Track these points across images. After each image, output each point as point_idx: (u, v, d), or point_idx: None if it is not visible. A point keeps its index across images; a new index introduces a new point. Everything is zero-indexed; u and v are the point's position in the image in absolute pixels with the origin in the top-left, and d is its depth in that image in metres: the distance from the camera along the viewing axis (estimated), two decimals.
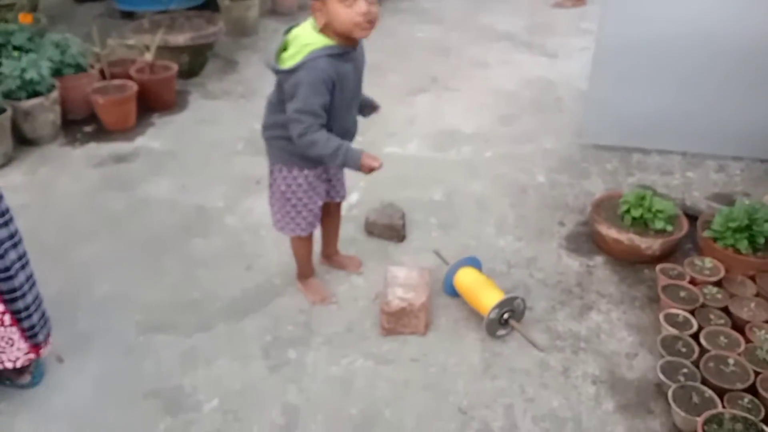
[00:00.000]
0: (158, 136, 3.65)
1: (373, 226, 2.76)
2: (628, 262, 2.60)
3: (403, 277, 2.32)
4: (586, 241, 2.74)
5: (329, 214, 2.41)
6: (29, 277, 1.91)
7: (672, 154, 3.35)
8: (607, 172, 3.24)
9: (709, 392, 1.90)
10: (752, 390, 1.92)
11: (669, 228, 2.55)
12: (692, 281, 2.37)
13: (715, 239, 2.48)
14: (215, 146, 3.53)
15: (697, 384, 1.93)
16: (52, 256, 2.62)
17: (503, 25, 5.34)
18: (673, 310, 2.23)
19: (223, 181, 3.18)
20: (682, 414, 1.84)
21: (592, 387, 2.07)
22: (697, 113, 3.22)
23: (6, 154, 3.33)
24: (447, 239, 2.75)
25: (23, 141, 3.48)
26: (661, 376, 1.98)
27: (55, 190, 3.14)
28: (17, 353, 1.94)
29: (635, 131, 3.36)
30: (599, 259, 2.64)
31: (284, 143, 2.06)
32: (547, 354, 2.19)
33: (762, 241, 2.41)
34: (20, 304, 1.88)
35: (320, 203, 2.25)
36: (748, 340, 2.10)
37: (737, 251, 2.42)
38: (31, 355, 1.98)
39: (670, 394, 1.90)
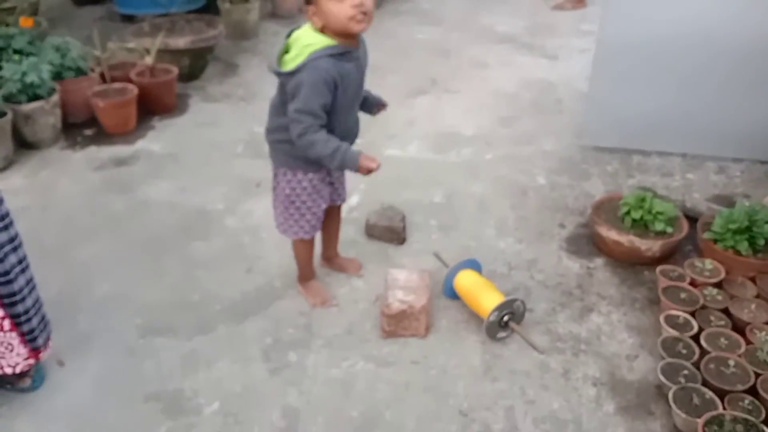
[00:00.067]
0: (159, 139, 3.65)
1: (374, 228, 2.76)
2: (628, 263, 2.60)
3: (403, 280, 2.32)
4: (587, 242, 2.74)
5: (330, 217, 2.41)
6: (29, 281, 1.91)
7: (672, 156, 3.35)
8: (607, 173, 3.24)
9: (709, 394, 1.90)
10: (753, 391, 1.92)
11: (669, 230, 2.55)
12: (692, 283, 2.36)
13: (715, 241, 2.48)
14: (215, 149, 3.53)
15: (698, 385, 1.93)
16: (52, 258, 2.62)
17: (503, 27, 5.34)
18: (674, 312, 2.23)
19: (223, 184, 3.18)
20: (683, 415, 1.84)
21: (593, 389, 2.07)
22: (697, 114, 3.22)
23: (6, 158, 3.33)
24: (447, 241, 2.76)
25: (24, 144, 3.49)
26: (662, 378, 1.98)
27: (56, 193, 3.15)
28: (17, 358, 1.94)
29: (635, 133, 3.36)
30: (599, 261, 2.64)
31: (288, 147, 2.06)
32: (547, 356, 2.19)
33: (762, 242, 2.41)
34: (20, 308, 1.88)
35: (323, 206, 2.25)
36: (748, 342, 2.10)
37: (737, 253, 2.41)
38: (31, 360, 1.98)
39: (670, 395, 1.90)
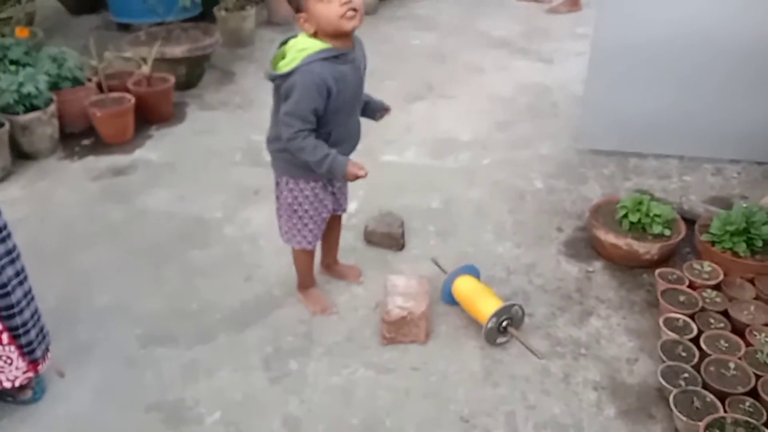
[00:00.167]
0: (156, 148, 3.65)
1: (372, 234, 2.76)
2: (626, 267, 2.60)
3: (402, 286, 2.32)
4: (585, 246, 2.75)
5: (330, 226, 2.41)
6: (26, 293, 1.91)
7: (669, 158, 3.36)
8: (604, 176, 3.25)
9: (710, 397, 1.90)
10: (753, 393, 1.92)
11: (667, 232, 2.56)
12: (691, 285, 2.37)
13: (713, 243, 2.48)
14: (213, 157, 3.53)
15: (698, 388, 1.93)
16: (51, 268, 2.62)
17: (499, 32, 5.36)
18: (673, 315, 2.23)
19: (221, 192, 3.19)
20: (684, 419, 1.84)
21: (593, 393, 2.07)
22: (693, 116, 3.23)
23: (4, 169, 3.33)
24: (446, 247, 2.76)
25: (21, 155, 3.49)
26: (662, 381, 1.98)
27: (54, 203, 3.15)
28: (16, 372, 1.94)
29: (632, 135, 3.37)
30: (598, 265, 2.64)
31: (289, 155, 2.06)
32: (547, 360, 2.19)
33: (760, 244, 2.42)
34: (17, 321, 1.88)
35: (325, 215, 2.26)
36: (748, 344, 2.10)
37: (735, 254, 2.42)
38: (30, 374, 1.98)
39: (671, 399, 1.90)
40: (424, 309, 2.22)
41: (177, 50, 4.14)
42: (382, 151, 3.50)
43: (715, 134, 3.26)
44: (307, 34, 1.95)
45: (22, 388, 2.02)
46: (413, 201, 3.06)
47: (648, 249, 2.53)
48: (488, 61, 4.75)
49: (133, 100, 3.71)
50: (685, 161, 3.34)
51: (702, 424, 1.79)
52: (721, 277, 2.39)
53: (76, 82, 3.76)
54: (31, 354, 1.96)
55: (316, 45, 1.92)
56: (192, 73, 4.33)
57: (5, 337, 1.87)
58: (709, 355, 2.04)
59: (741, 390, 1.92)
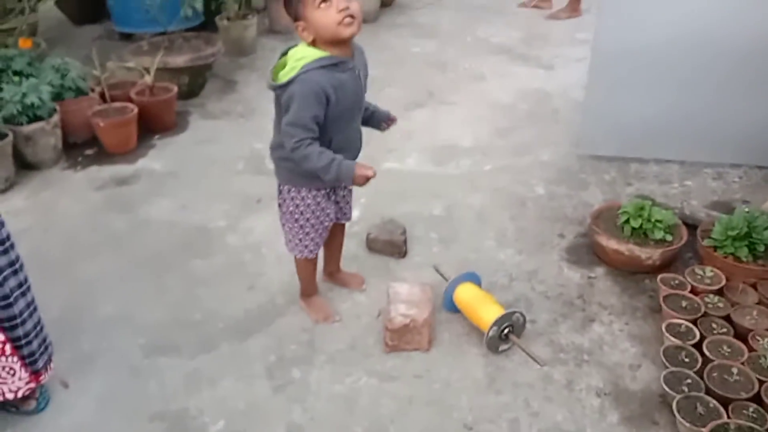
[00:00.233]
0: (159, 158, 3.67)
1: (375, 242, 2.77)
2: (628, 272, 2.60)
3: (405, 294, 2.33)
4: (587, 252, 2.75)
5: (333, 234, 2.41)
6: (29, 304, 1.92)
7: (670, 163, 3.36)
8: (605, 182, 3.25)
9: (713, 402, 1.90)
10: (757, 399, 1.92)
11: (669, 238, 2.56)
12: (693, 290, 2.37)
13: (715, 248, 2.48)
14: (216, 166, 3.55)
15: (702, 394, 1.93)
16: (54, 279, 2.63)
17: (499, 38, 5.38)
18: (675, 320, 2.23)
19: (224, 200, 3.20)
20: (688, 425, 1.84)
21: (596, 399, 2.07)
22: (694, 121, 3.23)
23: (8, 179, 3.35)
24: (448, 254, 2.76)
25: (25, 165, 3.50)
26: (665, 387, 1.98)
27: (57, 214, 3.16)
28: (18, 383, 1.94)
29: (632, 141, 3.37)
30: (600, 271, 2.64)
31: (292, 164, 2.07)
32: (550, 367, 2.19)
33: (762, 248, 2.42)
34: (20, 332, 1.89)
35: (327, 224, 2.26)
36: (751, 349, 2.10)
37: (737, 259, 2.42)
38: (32, 384, 1.98)
39: (674, 405, 1.90)
40: (427, 316, 2.23)
41: (179, 60, 4.16)
42: (384, 158, 3.50)
43: (716, 138, 3.27)
44: (306, 42, 1.96)
45: (25, 398, 2.03)
46: (415, 208, 3.07)
47: (650, 254, 2.54)
48: (488, 67, 4.77)
49: (135, 109, 3.73)
50: (686, 166, 3.34)
51: (705, 430, 1.79)
52: (724, 282, 2.39)
53: (79, 92, 3.78)
54: (33, 365, 1.96)
55: (314, 53, 1.94)
56: (194, 83, 4.35)
57: (8, 347, 1.87)
58: (712, 360, 2.04)
59: (744, 395, 1.92)
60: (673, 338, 2.16)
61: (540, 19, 5.85)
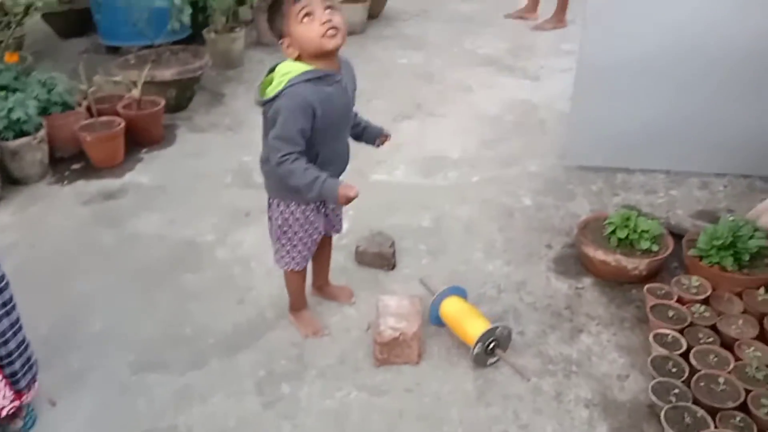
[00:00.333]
0: (147, 171, 3.66)
1: (363, 255, 2.77)
2: (615, 283, 2.63)
3: (394, 306, 2.33)
4: (574, 263, 2.77)
5: (321, 246, 2.41)
6: (13, 324, 1.90)
7: (656, 173, 3.40)
8: (592, 193, 3.28)
9: (701, 412, 1.91)
10: (743, 408, 1.94)
11: (655, 248, 2.59)
12: (680, 300, 2.39)
13: (700, 257, 2.51)
14: (204, 179, 3.54)
15: (689, 404, 1.94)
16: (42, 295, 2.61)
17: (485, 50, 5.42)
18: (662, 330, 2.25)
19: (212, 214, 3.19)
20: None
21: (585, 411, 2.08)
22: (679, 131, 3.27)
23: None
24: (436, 266, 2.77)
25: (11, 181, 3.48)
26: (653, 398, 2.00)
27: (45, 229, 3.14)
28: (3, 401, 1.92)
29: (618, 151, 3.41)
30: (587, 281, 2.66)
31: (280, 177, 2.08)
32: (539, 379, 2.20)
33: (747, 257, 2.45)
34: (2, 351, 1.87)
35: (316, 237, 2.26)
36: (737, 358, 2.12)
37: (723, 269, 2.45)
38: (16, 403, 1.96)
39: (662, 415, 1.92)
40: (416, 329, 2.23)
41: (167, 73, 4.16)
42: (372, 170, 3.52)
43: (701, 148, 3.31)
44: (291, 59, 1.98)
45: (12, 417, 2.00)
46: (403, 220, 3.08)
47: (636, 265, 2.56)
48: (475, 79, 4.80)
49: (122, 123, 3.72)
50: (671, 175, 3.38)
51: None
52: (710, 291, 2.42)
53: (66, 106, 3.77)
54: (15, 384, 1.95)
55: (300, 68, 1.95)
56: (182, 96, 4.35)
57: None
58: (699, 370, 2.06)
59: (731, 405, 1.94)
60: (660, 348, 2.18)
61: (526, 30, 5.91)
